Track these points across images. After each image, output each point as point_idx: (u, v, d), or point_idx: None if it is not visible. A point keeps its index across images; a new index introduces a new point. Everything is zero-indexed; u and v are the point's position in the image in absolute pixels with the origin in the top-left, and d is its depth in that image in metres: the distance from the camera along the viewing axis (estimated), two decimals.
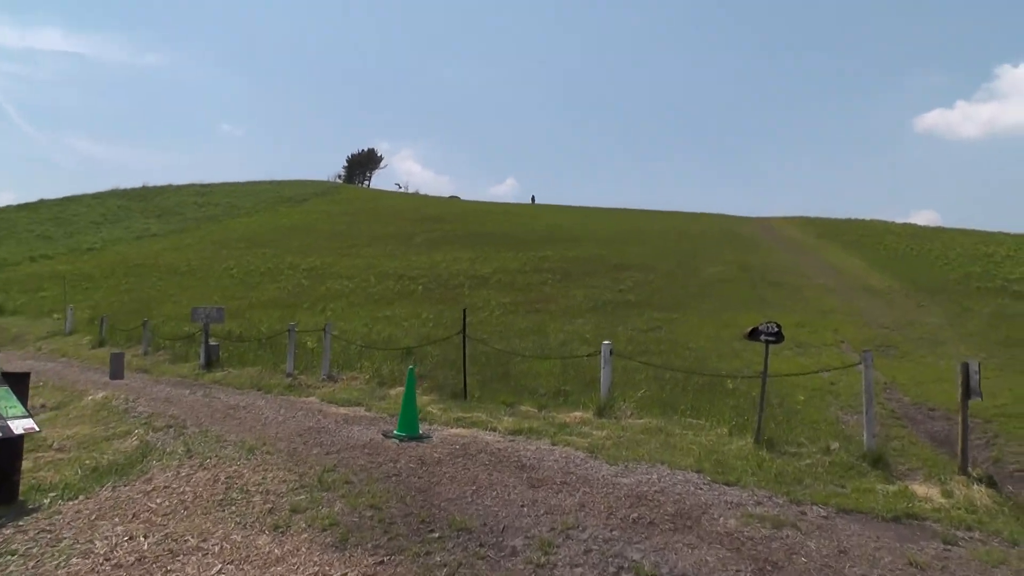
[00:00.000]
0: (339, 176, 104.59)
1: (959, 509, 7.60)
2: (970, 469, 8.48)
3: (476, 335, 17.68)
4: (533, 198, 72.27)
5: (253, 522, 6.61)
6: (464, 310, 14.92)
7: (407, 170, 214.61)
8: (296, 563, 5.69)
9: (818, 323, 19.98)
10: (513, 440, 10.19)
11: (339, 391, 14.66)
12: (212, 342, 19.57)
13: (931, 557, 6.15)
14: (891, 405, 12.65)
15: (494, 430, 10.82)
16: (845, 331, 19.45)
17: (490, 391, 13.94)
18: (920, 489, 8.16)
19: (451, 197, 77.75)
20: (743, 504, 7.41)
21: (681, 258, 31.91)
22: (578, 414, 11.70)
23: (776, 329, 9.87)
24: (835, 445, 9.46)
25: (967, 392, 8.48)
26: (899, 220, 47.05)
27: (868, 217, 48.15)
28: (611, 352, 12.37)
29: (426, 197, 77.53)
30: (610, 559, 5.82)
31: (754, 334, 9.85)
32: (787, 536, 6.47)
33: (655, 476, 8.33)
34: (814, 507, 7.45)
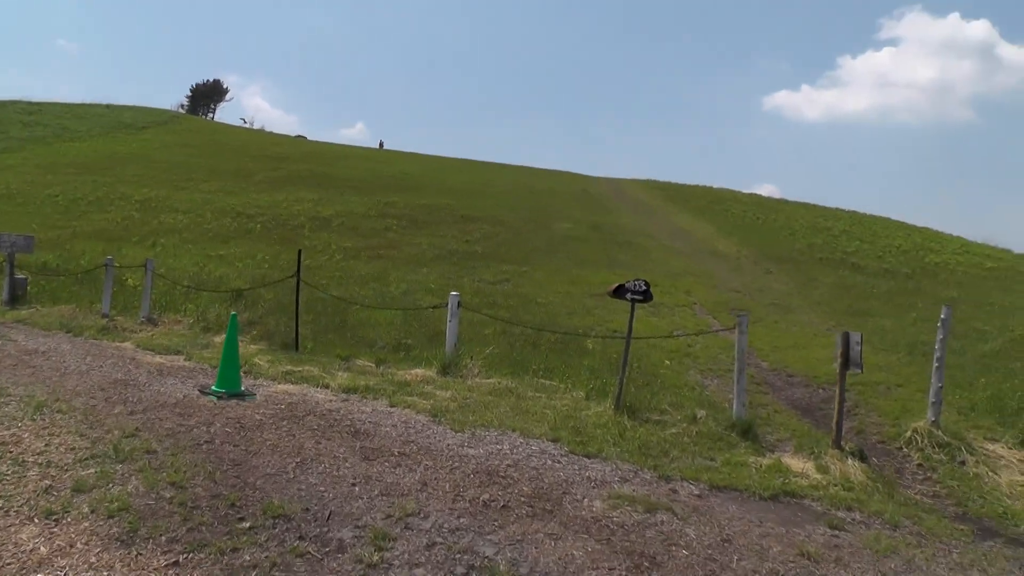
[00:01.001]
0: (182, 106, 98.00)
1: (836, 486, 6.93)
2: (843, 443, 7.85)
3: (314, 280, 16.20)
4: (381, 143, 69.61)
5: (21, 506, 5.01)
6: (299, 251, 13.37)
7: (255, 106, 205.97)
8: (64, 566, 4.25)
9: (669, 284, 19.54)
10: (347, 400, 8.88)
11: (158, 336, 12.83)
12: (18, 275, 17.08)
13: (821, 546, 5.34)
14: (750, 370, 12.09)
15: (326, 387, 9.46)
16: (697, 293, 19.11)
17: (324, 342, 12.55)
18: (794, 463, 7.46)
19: (298, 136, 74.15)
20: (608, 481, 6.44)
21: (531, 213, 31.15)
22: (420, 371, 10.50)
23: (644, 287, 8.96)
24: (701, 413, 8.68)
25: (846, 363, 7.82)
26: (744, 191, 47.67)
27: (715, 186, 48.86)
28: (459, 304, 11.21)
29: (271, 134, 73.56)
30: (458, 556, 4.67)
31: (619, 291, 8.89)
32: (662, 522, 5.51)
33: (507, 446, 7.26)
34: (685, 484, 6.58)
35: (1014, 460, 8.51)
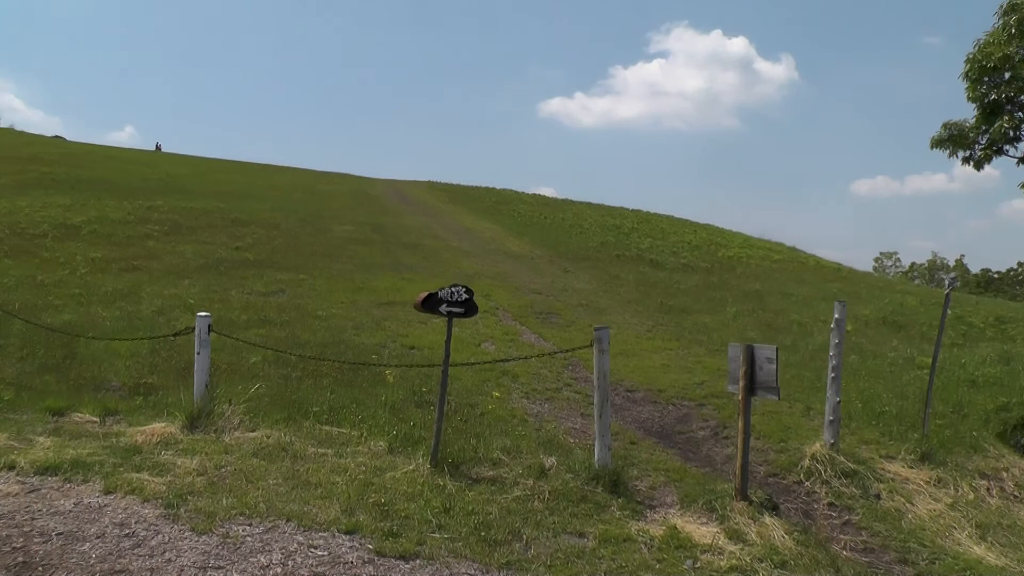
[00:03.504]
0: None
1: (764, 563, 4.89)
2: (750, 491, 5.82)
3: (46, 300, 12.77)
4: (158, 146, 63.02)
5: None
6: None
7: (6, 104, 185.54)
8: None
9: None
10: (37, 489, 5.75)
11: None
12: None
13: None
14: (580, 386, 10.06)
15: (11, 467, 6.29)
16: (498, 296, 16.98)
17: (35, 389, 9.24)
18: (695, 529, 5.34)
19: (55, 137, 65.76)
20: None
21: (308, 216, 28.13)
22: (160, 426, 7.50)
23: (464, 296, 6.55)
24: (551, 462, 6.38)
25: (751, 386, 5.77)
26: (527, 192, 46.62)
27: (498, 187, 47.41)
28: (209, 329, 8.33)
29: (24, 134, 64.89)
30: None
31: (431, 303, 6.43)
32: None
33: (277, 555, 4.62)
34: None
35: (921, 483, 6.98)
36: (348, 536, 4.98)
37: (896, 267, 62.33)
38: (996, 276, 55.67)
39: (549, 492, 5.82)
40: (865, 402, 9.17)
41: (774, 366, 5.57)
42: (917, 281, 50.73)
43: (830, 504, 6.41)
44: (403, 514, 5.36)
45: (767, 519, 5.40)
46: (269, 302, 14.96)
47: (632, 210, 41.15)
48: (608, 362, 6.26)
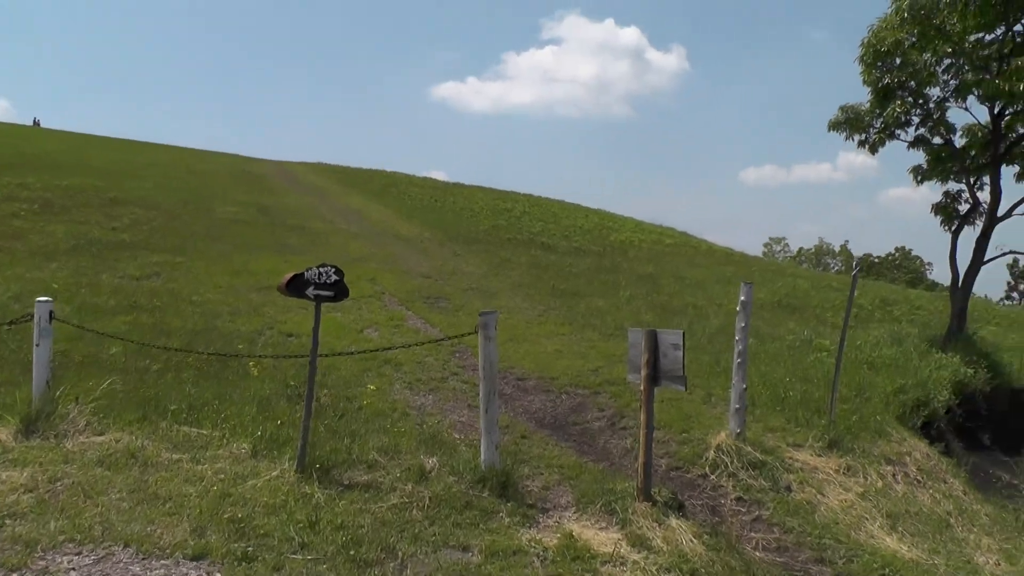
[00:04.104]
0: None
1: (672, 574, 4.32)
2: (654, 490, 5.24)
3: None
4: (36, 121, 59.18)
5: None
6: None
7: None
8: None
9: (351, 271, 16.19)
10: None
11: None
12: None
13: None
14: (468, 375, 9.39)
15: None
16: (384, 280, 16.17)
17: None
18: (593, 535, 4.73)
19: None
20: None
21: (190, 195, 26.58)
22: None
23: (334, 278, 5.74)
24: (432, 462, 5.66)
25: (655, 375, 5.17)
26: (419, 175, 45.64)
27: (389, 169, 46.21)
28: (51, 317, 7.29)
29: None
30: None
31: (296, 285, 5.60)
32: None
33: None
34: None
35: (831, 471, 6.62)
36: (195, 563, 4.19)
37: (785, 252, 63.69)
38: (877, 260, 57.52)
39: (430, 498, 5.11)
40: (768, 387, 8.81)
41: (680, 353, 4.98)
42: (805, 265, 51.90)
43: (738, 499, 5.94)
44: (262, 531, 4.58)
45: (673, 521, 4.84)
46: (141, 286, 13.77)
47: (524, 194, 40.72)
48: (495, 350, 5.59)
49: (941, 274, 58.36)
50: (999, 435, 11.36)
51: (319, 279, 5.65)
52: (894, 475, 6.94)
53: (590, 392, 8.70)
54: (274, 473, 5.46)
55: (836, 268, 57.51)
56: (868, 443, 7.33)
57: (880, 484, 6.58)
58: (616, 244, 26.25)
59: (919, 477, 7.14)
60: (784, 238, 65.72)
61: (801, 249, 64.17)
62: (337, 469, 5.61)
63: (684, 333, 5.05)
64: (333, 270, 5.73)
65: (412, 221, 27.27)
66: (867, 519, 5.86)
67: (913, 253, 58.43)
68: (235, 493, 5.13)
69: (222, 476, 5.46)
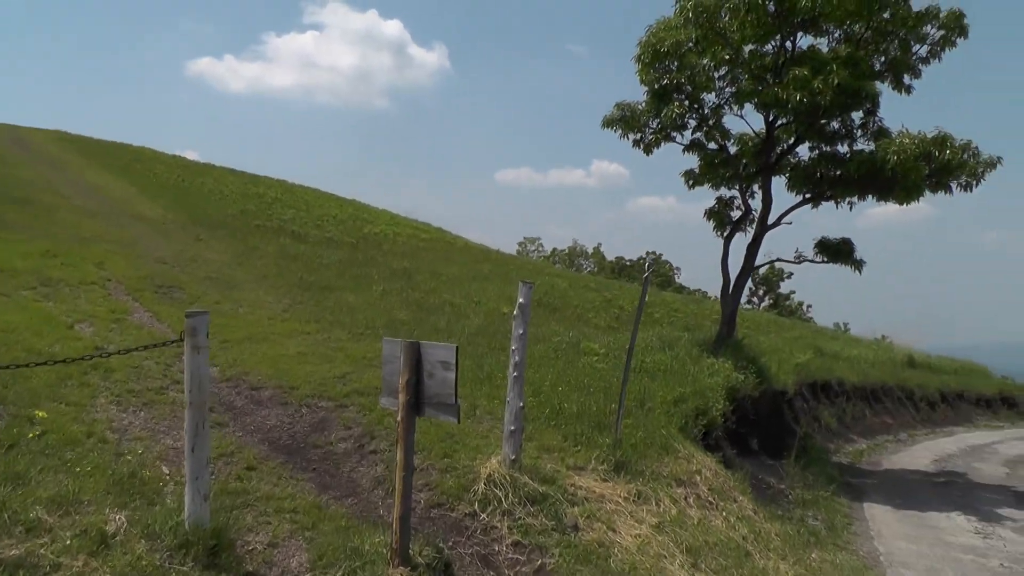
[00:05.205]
0: None
1: None
2: (413, 550, 4.05)
3: None
4: None
5: None
6: None
7: None
8: None
9: (76, 253, 14.09)
10: None
11: None
12: None
13: None
14: None
15: None
16: (113, 266, 14.00)
17: None
18: None
19: None
20: None
21: None
22: None
23: None
24: (120, 520, 4.13)
25: (416, 402, 3.95)
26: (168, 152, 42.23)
27: (136, 144, 42.36)
28: None
29: None
30: None
31: None
32: None
33: None
34: None
35: (620, 500, 5.83)
36: None
37: (539, 252, 64.64)
38: (628, 264, 59.66)
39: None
40: (540, 397, 7.89)
41: (452, 374, 3.82)
42: (559, 266, 52.71)
43: (516, 544, 4.92)
44: None
45: None
46: None
47: (277, 180, 38.95)
48: (207, 366, 4.14)
49: (688, 278, 61.64)
50: (765, 440, 11.28)
51: None
52: (687, 498, 6.32)
53: (335, 405, 7.43)
54: None
55: (589, 269, 59.07)
56: (656, 462, 6.64)
57: (674, 511, 5.88)
58: (371, 236, 25.33)
59: (711, 498, 6.60)
60: (539, 238, 66.95)
61: (555, 249, 65.55)
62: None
63: (458, 348, 3.88)
64: None
65: (156, 201, 24.78)
66: (666, 557, 5.10)
67: (663, 258, 61.11)
68: None
69: None
